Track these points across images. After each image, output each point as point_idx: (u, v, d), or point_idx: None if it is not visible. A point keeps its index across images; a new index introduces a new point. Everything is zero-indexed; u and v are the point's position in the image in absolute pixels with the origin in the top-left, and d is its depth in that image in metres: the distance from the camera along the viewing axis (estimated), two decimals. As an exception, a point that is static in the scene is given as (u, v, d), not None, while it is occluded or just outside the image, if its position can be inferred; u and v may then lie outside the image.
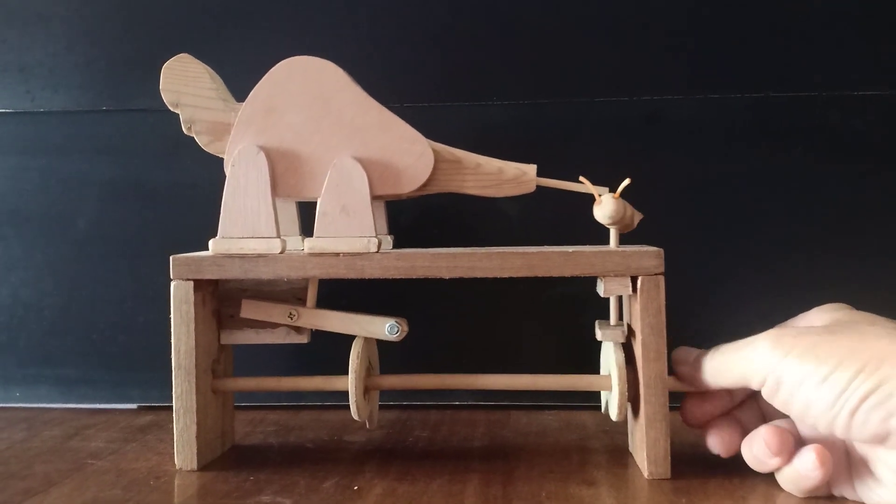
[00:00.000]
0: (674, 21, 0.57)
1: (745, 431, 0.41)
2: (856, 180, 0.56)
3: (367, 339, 0.45)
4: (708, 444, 0.42)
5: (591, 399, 0.51)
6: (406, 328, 0.45)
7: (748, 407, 0.43)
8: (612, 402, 0.43)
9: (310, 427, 0.53)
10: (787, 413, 0.38)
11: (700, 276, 0.55)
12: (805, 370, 0.35)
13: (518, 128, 0.58)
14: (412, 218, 0.57)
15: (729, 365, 0.39)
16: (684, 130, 0.57)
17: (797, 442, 0.39)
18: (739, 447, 0.41)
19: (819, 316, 0.40)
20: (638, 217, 0.44)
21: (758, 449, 0.38)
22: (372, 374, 0.47)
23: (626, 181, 0.42)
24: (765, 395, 0.38)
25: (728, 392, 0.42)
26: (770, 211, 0.56)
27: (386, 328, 0.45)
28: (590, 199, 0.45)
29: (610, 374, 0.44)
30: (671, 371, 0.42)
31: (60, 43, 0.60)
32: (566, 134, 0.57)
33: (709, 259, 0.56)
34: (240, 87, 0.46)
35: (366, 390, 0.45)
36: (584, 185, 0.43)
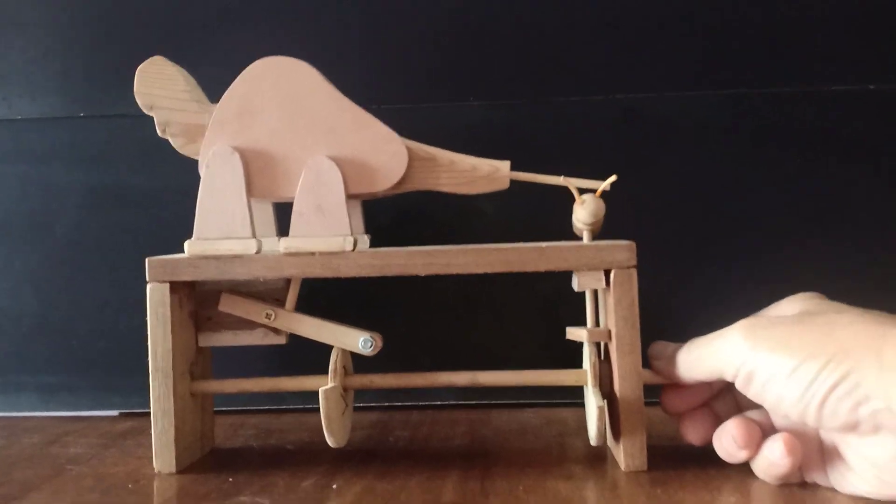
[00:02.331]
0: (648, 19, 0.57)
1: (719, 421, 0.41)
2: (832, 175, 0.56)
3: (341, 352, 0.45)
4: (682, 432, 0.43)
5: (571, 396, 0.52)
6: (380, 343, 0.45)
7: (723, 397, 0.43)
8: (590, 425, 0.43)
9: (291, 430, 0.53)
10: (760, 404, 0.38)
11: (674, 269, 0.56)
12: (775, 362, 0.36)
13: (494, 128, 0.58)
14: (389, 218, 0.57)
15: (702, 358, 0.40)
16: (659, 128, 0.57)
17: (768, 432, 0.39)
18: (713, 436, 0.41)
19: (790, 305, 0.40)
20: None
21: (727, 442, 0.39)
22: (347, 374, 0.46)
23: (612, 178, 0.43)
24: (738, 386, 0.38)
25: (707, 382, 0.43)
26: (745, 206, 0.57)
27: (360, 342, 0.45)
28: (564, 196, 0.46)
29: (586, 369, 0.44)
30: (646, 365, 0.43)
31: (37, 50, 0.60)
32: (542, 133, 0.58)
33: (683, 253, 0.56)
34: (215, 89, 0.46)
35: (343, 391, 0.45)
36: (566, 183, 0.44)
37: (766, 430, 0.39)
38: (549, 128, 0.58)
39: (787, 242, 0.56)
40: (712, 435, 0.41)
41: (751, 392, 0.37)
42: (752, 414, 0.40)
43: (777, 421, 0.40)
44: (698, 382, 0.41)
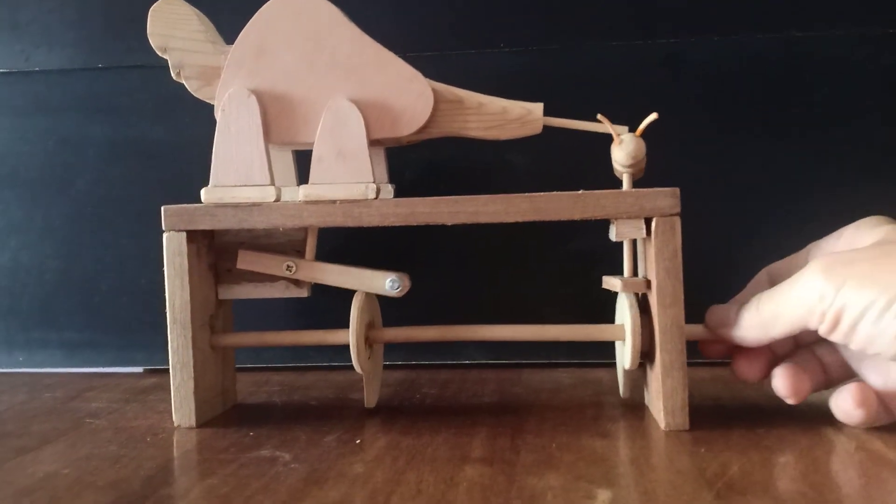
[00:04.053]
0: (690, -44, 0.54)
1: (775, 357, 0.39)
2: (885, 118, 0.52)
3: (368, 295, 0.43)
4: (735, 369, 0.40)
5: (606, 355, 0.49)
6: (408, 283, 0.43)
7: (805, 351, 0.41)
8: (625, 349, 0.41)
9: (315, 386, 0.51)
10: (847, 345, 0.35)
11: (718, 218, 0.53)
12: (866, 300, 0.33)
13: (527, 75, 0.55)
14: (417, 172, 0.55)
15: (780, 313, 0.36)
16: (703, 74, 0.54)
17: (834, 374, 0.39)
18: (808, 390, 0.39)
19: (858, 234, 0.37)
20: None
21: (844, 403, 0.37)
22: (374, 327, 0.45)
23: (653, 116, 0.40)
24: (823, 333, 0.35)
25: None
26: (793, 151, 0.53)
27: (386, 283, 0.43)
28: (602, 148, 0.43)
29: (623, 324, 0.42)
30: (689, 320, 0.40)
31: (54, 1, 0.58)
32: (578, 80, 0.55)
33: (727, 202, 0.53)
34: (231, 32, 0.44)
35: (368, 344, 0.43)
36: (601, 125, 0.41)
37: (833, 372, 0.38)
38: (585, 75, 0.54)
39: (840, 187, 0.52)
40: (768, 372, 0.39)
41: (837, 335, 0.34)
42: (821, 350, 0.39)
43: (857, 364, 0.38)
44: (776, 340, 0.38)
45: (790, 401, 0.39)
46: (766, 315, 0.37)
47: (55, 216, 0.58)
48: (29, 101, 0.58)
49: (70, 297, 0.58)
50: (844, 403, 0.37)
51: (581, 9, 0.55)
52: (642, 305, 0.42)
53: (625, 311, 0.41)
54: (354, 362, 0.42)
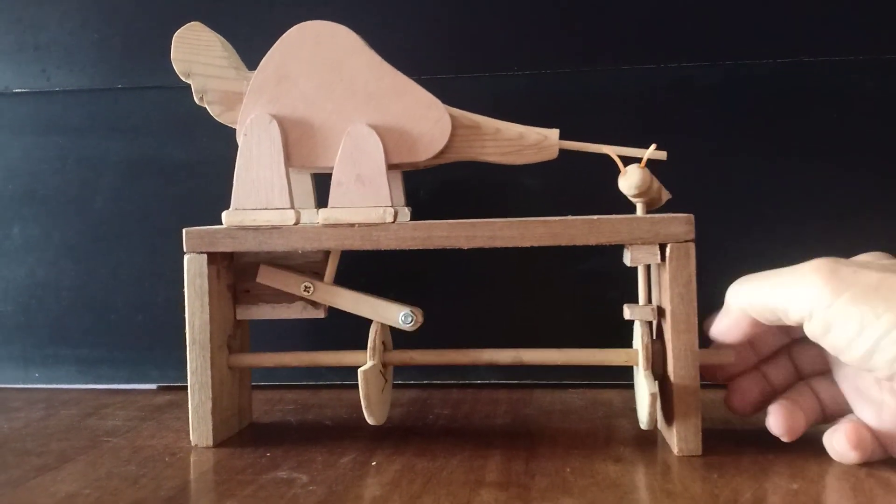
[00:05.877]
0: (702, -17, 0.54)
1: (772, 388, 0.39)
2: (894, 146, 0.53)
3: (380, 328, 0.43)
4: (727, 401, 0.41)
5: (616, 377, 0.50)
6: (420, 319, 0.44)
7: (777, 362, 0.41)
8: (640, 407, 0.42)
9: (329, 405, 0.52)
10: (837, 356, 0.34)
11: (728, 241, 0.53)
12: (865, 317, 0.32)
13: (540, 98, 0.56)
14: (432, 193, 0.56)
15: (767, 290, 0.35)
16: (714, 98, 0.54)
17: (830, 408, 0.39)
18: (803, 428, 0.39)
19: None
20: (666, 196, 0.43)
21: (838, 444, 0.37)
22: (386, 350, 0.45)
23: (652, 147, 0.41)
24: (809, 333, 0.34)
25: (751, 347, 0.41)
26: (804, 177, 0.54)
27: (399, 317, 0.43)
28: (617, 170, 0.44)
29: (638, 349, 0.42)
30: (703, 345, 0.40)
31: (75, 21, 0.59)
32: (590, 104, 0.55)
33: (737, 224, 0.54)
34: (253, 57, 0.45)
35: (382, 366, 0.44)
36: (610, 153, 0.42)
37: (829, 407, 0.38)
38: (596, 98, 0.55)
39: (850, 211, 0.53)
40: (761, 406, 0.39)
41: (826, 343, 0.34)
42: (817, 385, 0.38)
43: (853, 400, 0.38)
44: (746, 320, 0.37)
45: (784, 439, 0.38)
46: (754, 288, 0.36)
47: (72, 234, 0.59)
48: (49, 121, 0.59)
49: (86, 314, 0.59)
50: (839, 445, 0.37)
51: (593, 33, 0.55)
52: (658, 329, 0.42)
53: (638, 339, 0.42)
54: (367, 416, 0.42)
